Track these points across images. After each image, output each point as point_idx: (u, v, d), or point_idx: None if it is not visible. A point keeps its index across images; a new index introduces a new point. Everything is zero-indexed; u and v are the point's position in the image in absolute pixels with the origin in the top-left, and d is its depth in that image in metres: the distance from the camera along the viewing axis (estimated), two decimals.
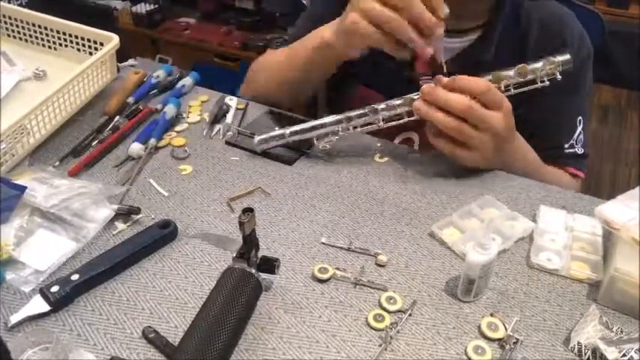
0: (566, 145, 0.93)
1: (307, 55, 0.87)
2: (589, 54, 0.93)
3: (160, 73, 0.99)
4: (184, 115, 0.92)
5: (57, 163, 0.80)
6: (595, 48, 0.93)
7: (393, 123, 0.79)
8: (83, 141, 0.84)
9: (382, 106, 0.78)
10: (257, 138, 0.82)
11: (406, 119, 0.78)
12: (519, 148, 0.83)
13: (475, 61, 0.73)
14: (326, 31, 0.83)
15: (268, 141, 0.82)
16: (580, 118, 0.94)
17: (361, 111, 0.79)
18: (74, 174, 0.78)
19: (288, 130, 0.81)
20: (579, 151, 0.94)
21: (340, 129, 0.80)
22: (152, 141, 0.83)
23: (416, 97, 0.75)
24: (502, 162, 0.79)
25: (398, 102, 0.77)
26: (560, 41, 0.89)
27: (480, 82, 0.72)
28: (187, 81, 0.98)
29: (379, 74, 0.93)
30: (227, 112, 0.92)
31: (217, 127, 0.89)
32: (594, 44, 0.93)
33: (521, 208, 0.74)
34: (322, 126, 0.80)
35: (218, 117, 0.91)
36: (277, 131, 0.82)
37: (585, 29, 0.93)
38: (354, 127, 0.80)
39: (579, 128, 0.94)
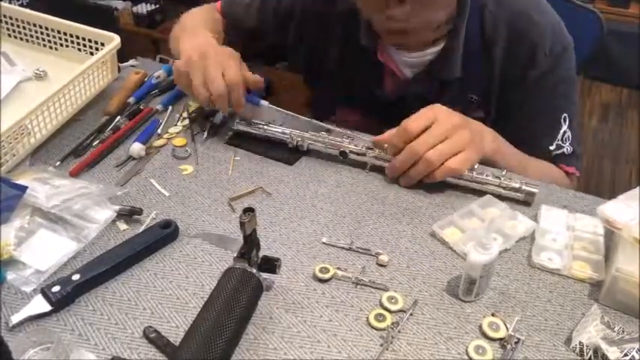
0: (552, 147, 0.88)
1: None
2: (565, 47, 0.85)
3: (160, 73, 0.99)
4: (185, 115, 0.91)
5: (58, 163, 0.80)
6: (595, 47, 0.92)
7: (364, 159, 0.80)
8: (84, 141, 0.84)
9: (352, 147, 0.79)
10: (239, 119, 0.85)
11: (374, 162, 0.79)
12: (500, 146, 0.80)
13: (441, 81, 0.71)
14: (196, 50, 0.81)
15: (249, 125, 0.85)
16: (565, 115, 0.87)
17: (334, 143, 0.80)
18: (75, 174, 0.78)
19: (268, 127, 0.84)
20: (568, 149, 0.88)
21: (317, 144, 0.82)
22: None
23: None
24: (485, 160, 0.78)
25: (367, 147, 0.79)
26: (529, 45, 0.83)
27: (419, 120, 0.72)
28: None
29: (354, 94, 0.95)
30: None
31: (212, 119, 0.89)
32: (594, 44, 0.92)
33: (523, 207, 0.74)
34: (300, 137, 0.82)
35: (219, 117, 0.91)
36: (261, 123, 0.85)
37: (585, 29, 0.90)
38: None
39: (564, 126, 0.87)
